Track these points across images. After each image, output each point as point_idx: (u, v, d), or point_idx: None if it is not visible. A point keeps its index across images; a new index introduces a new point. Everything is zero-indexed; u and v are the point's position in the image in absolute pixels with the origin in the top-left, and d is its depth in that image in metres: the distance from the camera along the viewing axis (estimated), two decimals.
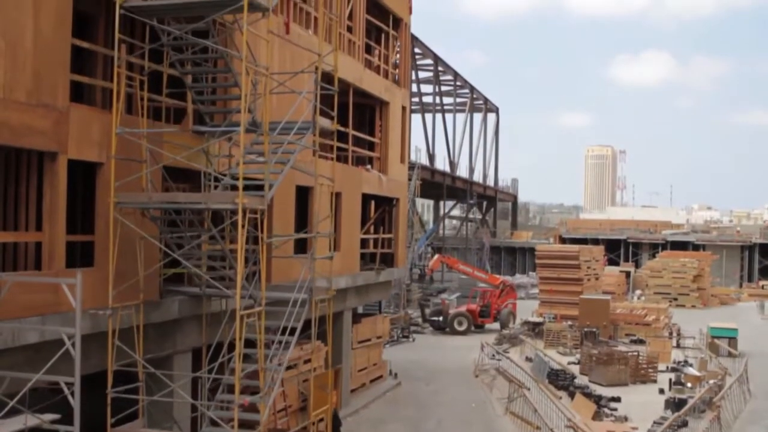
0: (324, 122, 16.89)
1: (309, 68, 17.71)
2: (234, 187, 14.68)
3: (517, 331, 43.53)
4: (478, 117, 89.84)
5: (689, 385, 29.75)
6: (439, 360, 36.68)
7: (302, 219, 22.28)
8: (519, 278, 68.67)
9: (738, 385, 29.18)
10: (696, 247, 79.82)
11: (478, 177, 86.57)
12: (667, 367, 34.76)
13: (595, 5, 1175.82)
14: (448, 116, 79.43)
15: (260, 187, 14.86)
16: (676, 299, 63.07)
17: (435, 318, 46.44)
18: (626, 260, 79.98)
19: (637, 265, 78.26)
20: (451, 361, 36.36)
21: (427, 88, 76.48)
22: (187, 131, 16.73)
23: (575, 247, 52.15)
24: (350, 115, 25.77)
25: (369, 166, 27.79)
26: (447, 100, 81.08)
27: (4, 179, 13.39)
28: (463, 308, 46.50)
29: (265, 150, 14.58)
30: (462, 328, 45.22)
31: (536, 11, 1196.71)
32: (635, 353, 33.43)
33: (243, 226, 13.77)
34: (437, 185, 71.17)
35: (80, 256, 14.89)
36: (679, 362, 36.16)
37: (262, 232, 15.36)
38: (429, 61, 71.98)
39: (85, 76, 15.03)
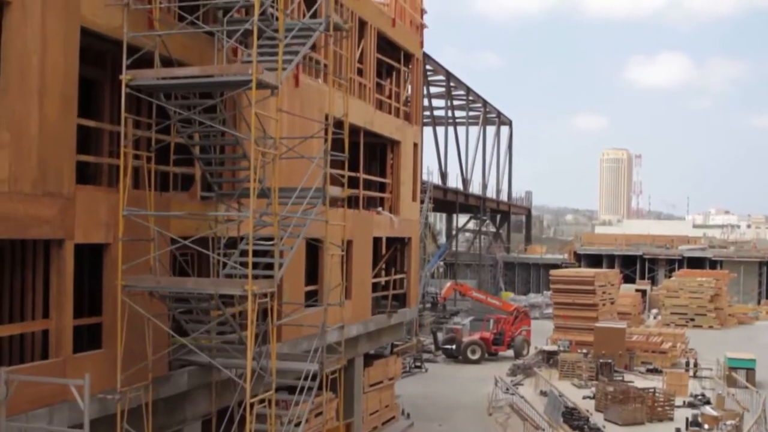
0: (334, 191, 16.68)
1: (318, 133, 17.52)
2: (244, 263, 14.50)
3: (531, 360, 43.19)
4: (491, 130, 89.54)
5: (706, 426, 29.38)
6: (453, 394, 36.38)
7: (313, 268, 22.05)
8: (533, 297, 68.29)
9: (756, 427, 28.78)
10: (713, 263, 79.22)
11: (491, 191, 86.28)
12: (684, 402, 34.42)
13: (610, 6, 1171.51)
14: (461, 130, 79.14)
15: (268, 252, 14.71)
16: (693, 320, 62.64)
17: (448, 346, 46.10)
18: (642, 276, 79.46)
19: (653, 282, 77.80)
20: (465, 395, 36.05)
21: (439, 102, 76.30)
22: (195, 199, 16.61)
23: (590, 272, 51.74)
24: (361, 158, 25.57)
25: (380, 208, 27.57)
26: (460, 113, 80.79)
27: (10, 269, 13.22)
28: (476, 336, 46.18)
29: (275, 230, 14.34)
30: (475, 357, 44.90)
31: (550, 12, 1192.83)
32: (651, 390, 33.04)
33: (253, 310, 13.56)
34: (450, 203, 70.92)
35: (87, 334, 14.70)
36: (696, 396, 35.80)
37: (272, 303, 15.15)
38: (441, 77, 71.70)
39: (91, 154, 14.88)
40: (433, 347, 47.48)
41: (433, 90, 72.63)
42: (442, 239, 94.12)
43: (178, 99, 14.91)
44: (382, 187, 28.50)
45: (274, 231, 14.36)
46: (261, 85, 13.85)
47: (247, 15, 16.59)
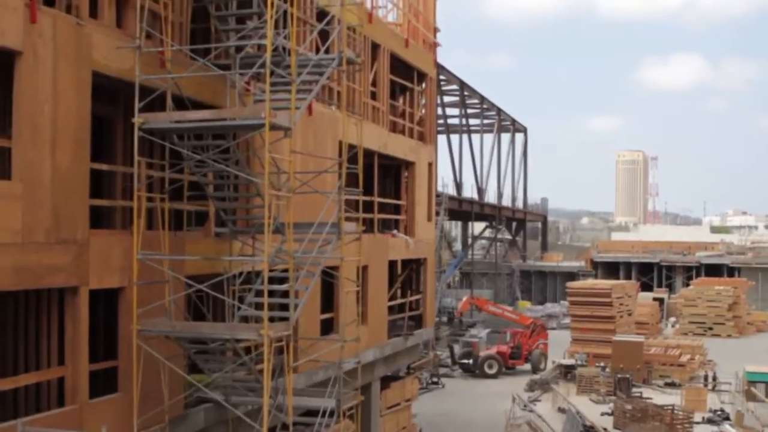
0: (349, 227, 16.59)
1: (332, 167, 17.43)
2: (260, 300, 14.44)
3: (548, 375, 42.93)
4: (506, 137, 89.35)
5: None
6: (470, 411, 36.22)
7: (328, 295, 21.94)
8: (550, 307, 67.96)
9: None
10: (731, 270, 78.68)
11: (506, 200, 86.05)
12: (703, 418, 34.17)
13: (624, 7, 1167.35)
14: (475, 138, 78.95)
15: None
16: (711, 328, 62.23)
17: (465, 360, 45.92)
18: (659, 284, 78.99)
19: (671, 289, 77.32)
20: (482, 412, 35.89)
21: (453, 110, 76.07)
22: (209, 236, 16.56)
23: (607, 284, 51.47)
24: (375, 183, 25.43)
25: (395, 231, 27.42)
26: (474, 121, 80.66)
27: (24, 317, 13.19)
28: (493, 350, 45.98)
29: (290, 272, 14.24)
30: (492, 371, 44.71)
31: (563, 13, 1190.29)
32: (670, 408, 32.79)
33: (270, 353, 13.48)
34: (465, 213, 70.73)
35: (103, 378, 14.64)
36: (715, 411, 35.52)
37: (287, 344, 15.09)
38: (455, 87, 71.54)
39: (104, 196, 14.85)
40: (449, 361, 47.31)
41: (447, 99, 72.42)
42: (458, 245, 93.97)
43: (191, 140, 14.82)
44: (396, 208, 28.39)
45: (289, 272, 14.25)
46: (274, 127, 13.78)
47: (259, 49, 16.53)
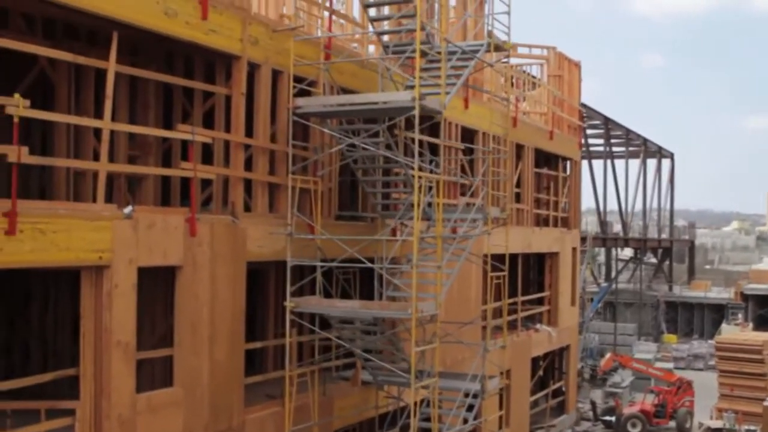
0: (494, 383, 16.69)
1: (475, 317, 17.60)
2: None
3: None
4: (651, 163, 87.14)
5: None
6: None
7: None
8: (696, 347, 65.72)
9: None
10: None
11: (652, 230, 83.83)
12: None
13: None
14: (619, 165, 77.38)
15: None
16: None
17: (607, 417, 45.02)
18: None
19: None
20: None
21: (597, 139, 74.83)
22: (356, 386, 16.99)
23: (759, 340, 49.46)
24: (519, 282, 25.42)
25: (539, 325, 27.33)
26: (618, 149, 79.11)
27: None
28: (636, 408, 44.90)
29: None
30: (636, 430, 43.71)
31: (715, 9, 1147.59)
32: None
33: None
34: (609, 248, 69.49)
35: None
36: None
37: None
38: (598, 122, 70.38)
39: (257, 374, 15.46)
40: (591, 415, 46.48)
41: (591, 131, 71.27)
42: (601, 258, 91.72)
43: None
44: (539, 302, 28.21)
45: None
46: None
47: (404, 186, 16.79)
